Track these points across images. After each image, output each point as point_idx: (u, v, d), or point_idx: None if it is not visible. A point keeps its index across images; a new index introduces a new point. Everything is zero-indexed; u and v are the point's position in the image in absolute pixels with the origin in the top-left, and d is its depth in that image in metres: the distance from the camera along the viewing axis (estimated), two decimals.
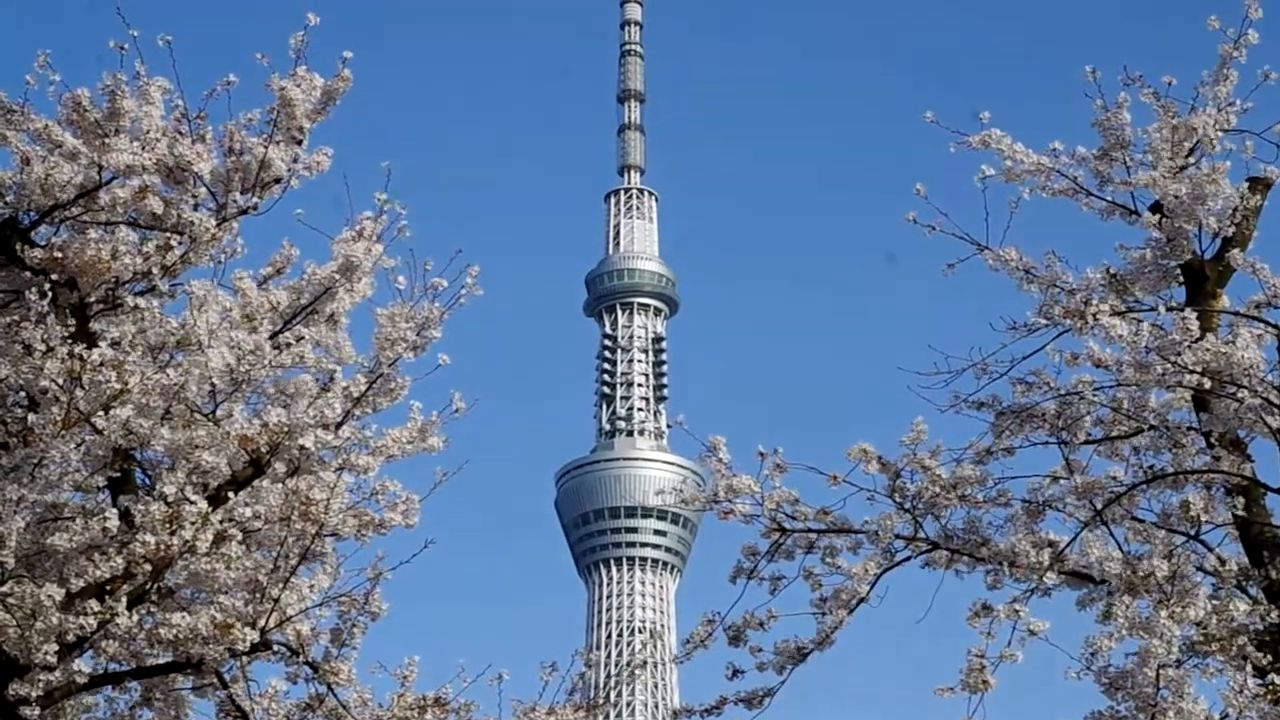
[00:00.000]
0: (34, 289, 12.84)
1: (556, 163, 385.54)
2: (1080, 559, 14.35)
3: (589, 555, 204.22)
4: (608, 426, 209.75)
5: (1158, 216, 14.44)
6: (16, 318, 12.96)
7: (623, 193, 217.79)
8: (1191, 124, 14.37)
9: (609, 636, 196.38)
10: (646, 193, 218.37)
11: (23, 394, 12.83)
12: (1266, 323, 13.94)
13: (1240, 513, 14.16)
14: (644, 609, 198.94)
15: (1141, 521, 14.58)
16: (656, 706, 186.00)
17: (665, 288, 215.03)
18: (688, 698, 15.24)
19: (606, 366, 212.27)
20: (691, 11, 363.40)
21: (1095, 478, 14.48)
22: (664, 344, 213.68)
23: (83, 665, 13.01)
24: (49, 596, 12.05)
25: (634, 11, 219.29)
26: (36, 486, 12.42)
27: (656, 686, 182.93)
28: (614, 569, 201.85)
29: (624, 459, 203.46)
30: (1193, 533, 14.39)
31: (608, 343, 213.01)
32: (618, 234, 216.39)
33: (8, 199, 13.07)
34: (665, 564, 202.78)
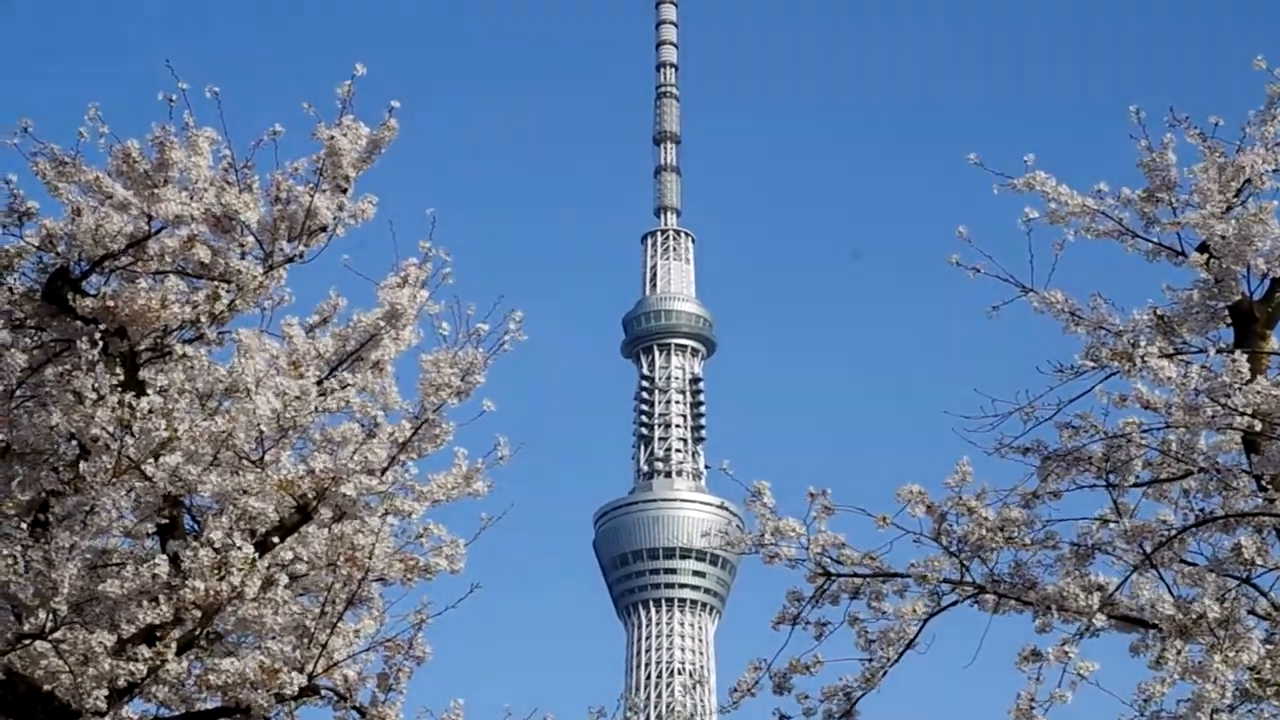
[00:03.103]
0: (85, 338, 12.89)
1: (593, 205, 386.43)
2: (1130, 602, 14.29)
3: (628, 596, 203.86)
4: (646, 468, 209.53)
5: (1205, 257, 14.37)
6: (68, 366, 13.01)
7: (659, 234, 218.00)
8: (1239, 164, 14.30)
9: (648, 678, 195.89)
10: (683, 234, 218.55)
11: (74, 442, 12.85)
12: None
13: None
14: (683, 650, 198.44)
15: (1192, 565, 14.48)
16: None
17: (702, 328, 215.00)
18: None
19: (644, 408, 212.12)
20: (727, 52, 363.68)
21: (1144, 521, 14.39)
22: (701, 385, 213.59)
23: (132, 711, 13.12)
24: (100, 643, 12.11)
25: (669, 54, 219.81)
26: (88, 533, 12.49)
27: None
28: (653, 610, 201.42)
29: (662, 500, 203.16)
30: (1245, 576, 14.30)
31: (645, 384, 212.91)
32: (655, 275, 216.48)
33: (59, 249, 13.13)
34: (704, 605, 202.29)
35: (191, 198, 13.13)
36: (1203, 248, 14.46)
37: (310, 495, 13.02)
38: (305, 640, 12.93)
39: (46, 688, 12.24)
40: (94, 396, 12.57)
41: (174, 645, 12.35)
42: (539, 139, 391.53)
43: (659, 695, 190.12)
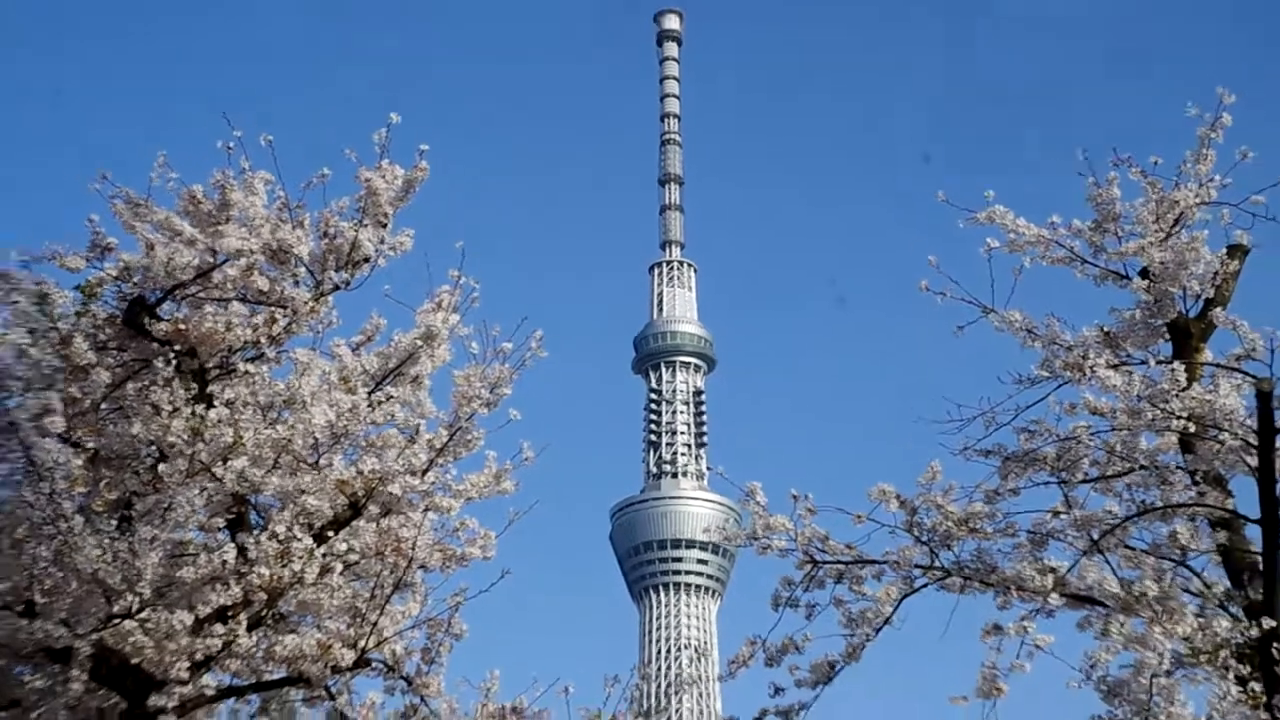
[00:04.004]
0: (160, 357, 13.01)
1: (606, 239, 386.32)
2: (1079, 583, 14.27)
3: (640, 581, 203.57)
4: (655, 469, 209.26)
5: (1146, 281, 14.41)
6: (146, 382, 13.08)
7: (665, 264, 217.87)
8: (1175, 198, 14.33)
9: (659, 653, 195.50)
10: (686, 264, 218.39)
11: (153, 448, 12.89)
12: (1244, 373, 13.87)
13: (1223, 542, 14.09)
14: (689, 628, 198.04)
15: (1134, 550, 14.49)
16: (702, 714, 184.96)
17: (704, 347, 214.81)
18: (729, 708, 15.17)
19: (653, 417, 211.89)
20: (726, 99, 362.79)
21: (1092, 512, 14.38)
22: (703, 396, 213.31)
23: (210, 680, 13.14)
24: (180, 621, 12.13)
25: (672, 105, 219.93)
26: (166, 527, 12.47)
27: (702, 697, 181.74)
28: (662, 593, 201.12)
29: (670, 497, 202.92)
30: (1180, 559, 14.30)
31: (654, 396, 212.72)
32: (661, 301, 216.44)
33: (136, 280, 13.20)
34: (707, 589, 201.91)
35: (250, 233, 13.20)
36: (1144, 272, 14.49)
37: (360, 493, 13.05)
38: (357, 620, 12.96)
39: (134, 661, 12.22)
40: (169, 408, 12.67)
41: (244, 624, 12.40)
42: (558, 180, 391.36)
43: (668, 666, 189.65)
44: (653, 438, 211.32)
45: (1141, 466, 14.33)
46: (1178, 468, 14.24)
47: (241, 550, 12.49)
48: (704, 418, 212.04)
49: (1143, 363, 14.31)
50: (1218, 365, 14.21)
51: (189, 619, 12.20)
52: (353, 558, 12.92)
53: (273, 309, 13.41)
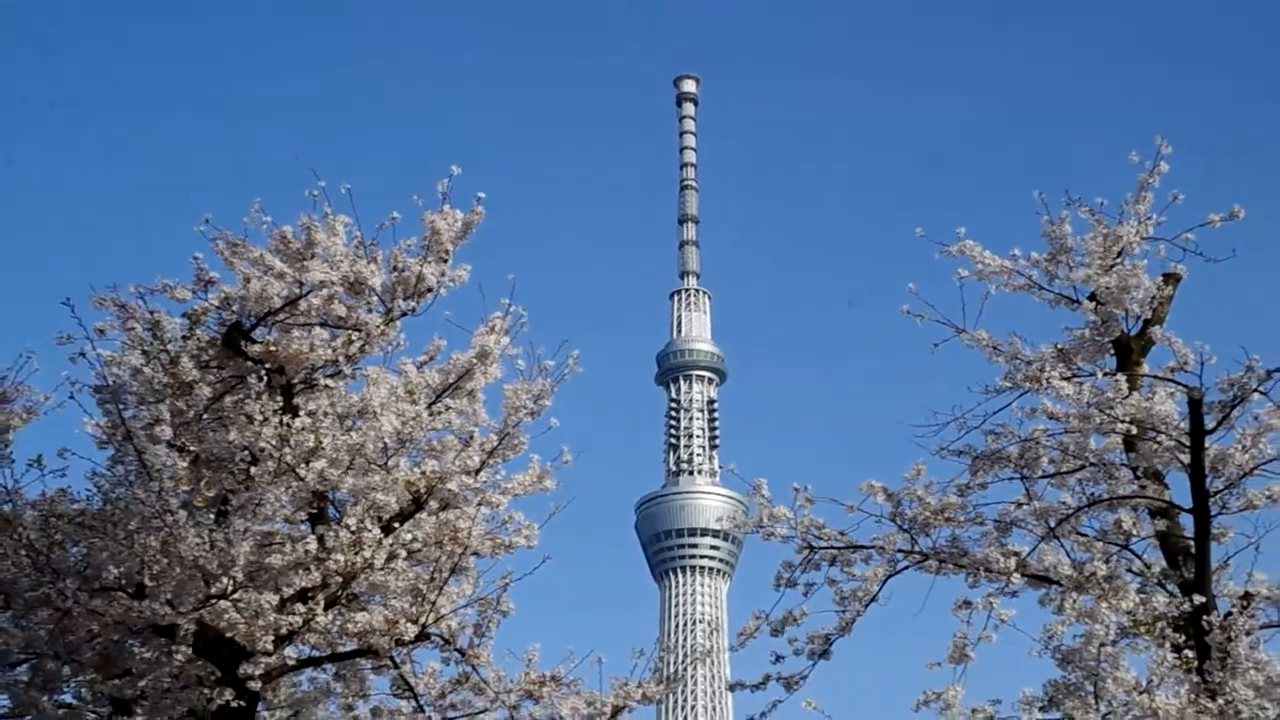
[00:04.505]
0: (253, 375, 13.00)
1: (633, 271, 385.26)
2: (1038, 565, 14.26)
3: (661, 565, 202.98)
4: (674, 467, 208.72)
5: (1094, 304, 14.39)
6: (241, 396, 13.07)
7: (683, 292, 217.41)
8: (1118, 233, 14.31)
9: (677, 627, 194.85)
10: (701, 292, 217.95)
11: (246, 452, 12.86)
12: (1178, 383, 13.84)
13: (1160, 528, 14.07)
14: (703, 605, 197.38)
15: (1085, 536, 14.46)
16: (713, 680, 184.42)
17: (717, 363, 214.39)
18: (736, 676, 15.11)
19: (672, 423, 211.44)
20: (737, 147, 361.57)
21: (1049, 503, 14.36)
22: (716, 405, 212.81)
23: (291, 652, 13.12)
24: (267, 602, 12.16)
25: (690, 156, 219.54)
26: (257, 520, 12.50)
27: (714, 666, 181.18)
28: (680, 575, 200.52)
29: (687, 492, 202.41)
30: (1124, 544, 14.28)
31: (673, 405, 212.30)
32: (680, 323, 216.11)
33: (234, 308, 13.18)
34: (719, 571, 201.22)
35: (331, 268, 13.15)
36: (1092, 297, 14.47)
37: (422, 490, 13.05)
38: (419, 599, 12.91)
39: (228, 635, 12.23)
40: (261, 418, 12.65)
41: (321, 603, 12.39)
42: (592, 220, 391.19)
43: (685, 639, 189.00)
44: (672, 440, 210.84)
45: (1091, 464, 14.32)
46: (1122, 465, 14.22)
47: (320, 540, 12.49)
48: (716, 423, 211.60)
49: (1091, 374, 14.32)
50: (1156, 377, 14.19)
51: (275, 599, 12.22)
52: (415, 546, 12.91)
53: (349, 332, 13.37)
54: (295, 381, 13.36)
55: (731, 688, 15.29)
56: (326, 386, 13.35)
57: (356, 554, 12.40)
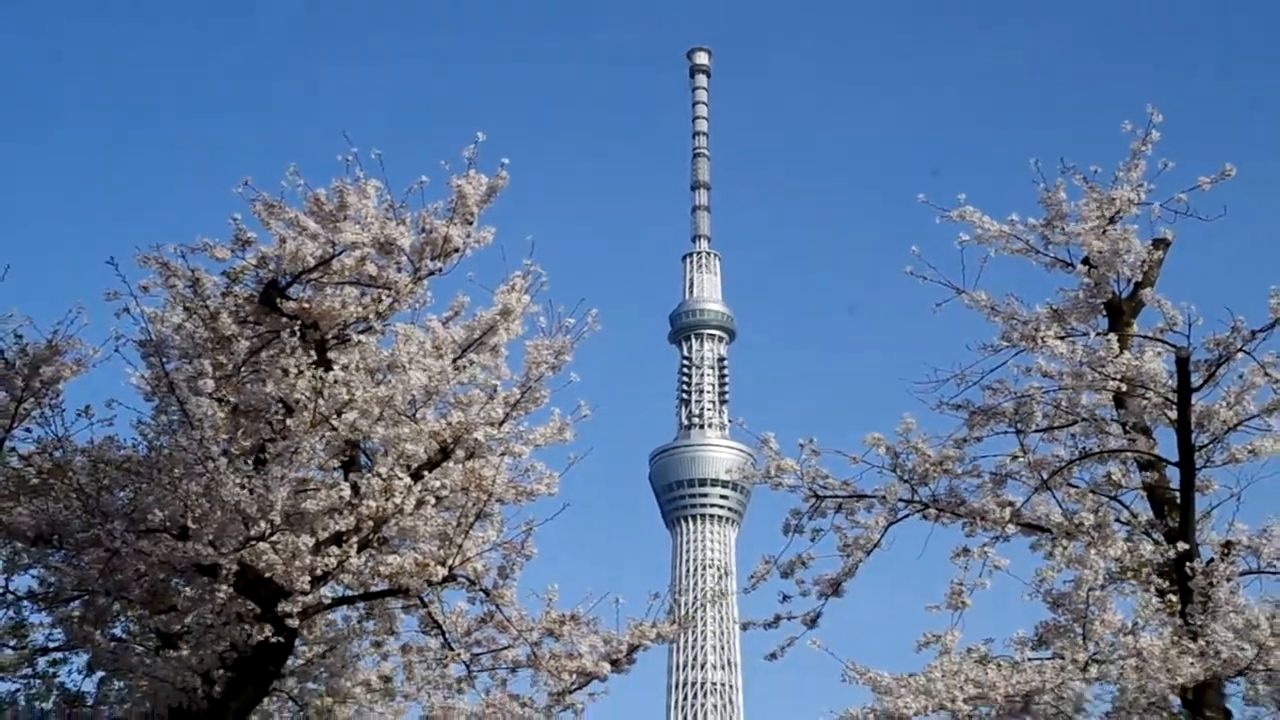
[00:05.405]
0: (288, 330, 13.00)
1: (647, 235, 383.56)
2: (1031, 514, 14.30)
3: (674, 513, 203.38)
4: (686, 421, 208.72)
5: (1087, 267, 14.35)
6: (277, 351, 13.08)
7: (695, 255, 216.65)
8: (1111, 197, 14.26)
9: (688, 571, 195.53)
10: (712, 254, 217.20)
11: (281, 403, 12.90)
12: (1166, 343, 13.83)
13: (1148, 480, 14.10)
14: (712, 551, 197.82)
15: (1076, 487, 14.50)
16: (722, 622, 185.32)
17: (726, 322, 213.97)
18: (746, 616, 15.20)
19: (684, 379, 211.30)
20: (747, 115, 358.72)
21: (1042, 456, 14.39)
22: (725, 362, 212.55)
23: (326, 591, 13.19)
24: (303, 544, 12.17)
25: (702, 125, 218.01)
26: (293, 468, 12.47)
27: (722, 608, 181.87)
28: (691, 523, 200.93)
29: (698, 444, 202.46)
30: (1113, 495, 14.32)
31: (685, 362, 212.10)
32: (692, 284, 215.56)
33: (270, 267, 13.14)
34: (728, 519, 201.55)
35: (362, 230, 13.08)
36: (1085, 260, 14.43)
37: (449, 441, 13.03)
38: (446, 543, 12.92)
39: (267, 575, 12.28)
40: (296, 371, 12.67)
41: (355, 546, 12.40)
42: (609, 187, 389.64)
43: (696, 583, 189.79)
44: (684, 395, 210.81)
45: (1083, 419, 14.33)
46: (1112, 420, 14.23)
47: (353, 487, 12.51)
48: (726, 379, 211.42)
49: (1084, 334, 14.28)
50: (1145, 336, 14.18)
51: (311, 542, 12.24)
52: (443, 493, 12.86)
53: (379, 290, 13.32)
54: (328, 337, 13.34)
55: (744, 626, 15.35)
56: (358, 342, 13.35)
57: (387, 500, 12.41)
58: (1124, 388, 13.73)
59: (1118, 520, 14.14)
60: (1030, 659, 13.49)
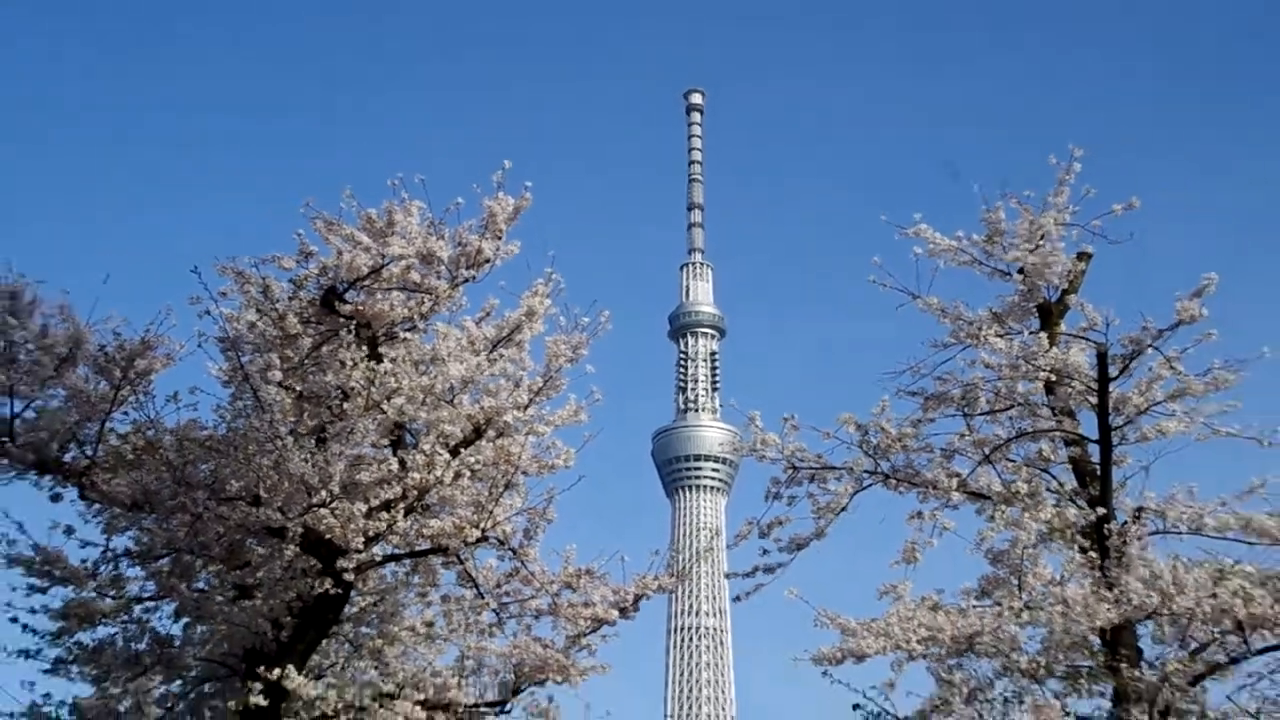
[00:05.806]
0: (345, 329, 13.02)
1: (650, 247, 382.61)
2: (975, 484, 14.27)
3: (673, 484, 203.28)
4: (682, 405, 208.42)
5: (1022, 276, 14.36)
6: (335, 346, 13.10)
7: (691, 264, 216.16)
8: (1041, 221, 14.29)
9: (685, 533, 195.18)
10: (706, 265, 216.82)
11: (339, 391, 12.91)
12: (1088, 340, 13.83)
13: (1073, 455, 14.06)
14: (705, 516, 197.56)
15: (1013, 461, 14.47)
16: (713, 574, 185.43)
17: (718, 322, 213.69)
18: (733, 569, 15.19)
19: (681, 370, 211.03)
20: (737, 146, 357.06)
21: (985, 435, 14.37)
22: (717, 356, 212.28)
23: (377, 550, 13.20)
24: (358, 510, 12.21)
25: (697, 155, 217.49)
26: (349, 445, 12.58)
27: (714, 563, 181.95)
28: (688, 492, 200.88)
29: (693, 425, 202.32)
30: (1044, 468, 14.29)
31: (682, 355, 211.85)
32: (688, 290, 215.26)
33: (329, 275, 13.19)
34: (718, 489, 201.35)
35: (408, 243, 13.11)
36: (1020, 271, 14.43)
37: (482, 422, 13.04)
38: (479, 509, 12.92)
39: (327, 536, 12.30)
40: (351, 363, 12.69)
41: (401, 512, 12.44)
42: (616, 206, 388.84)
43: (691, 542, 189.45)
44: (681, 384, 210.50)
45: (1019, 404, 14.32)
46: (1043, 405, 14.21)
47: (401, 462, 12.54)
48: (717, 370, 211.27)
49: (1020, 333, 14.29)
50: (1071, 335, 14.16)
51: (364, 508, 12.27)
52: (476, 466, 12.87)
53: (422, 295, 13.34)
54: (379, 334, 13.35)
55: (728, 576, 15.35)
56: (405, 339, 13.34)
57: (429, 473, 12.44)
58: (1053, 378, 13.75)
59: (1048, 489, 14.12)
60: (974, 606, 13.48)
